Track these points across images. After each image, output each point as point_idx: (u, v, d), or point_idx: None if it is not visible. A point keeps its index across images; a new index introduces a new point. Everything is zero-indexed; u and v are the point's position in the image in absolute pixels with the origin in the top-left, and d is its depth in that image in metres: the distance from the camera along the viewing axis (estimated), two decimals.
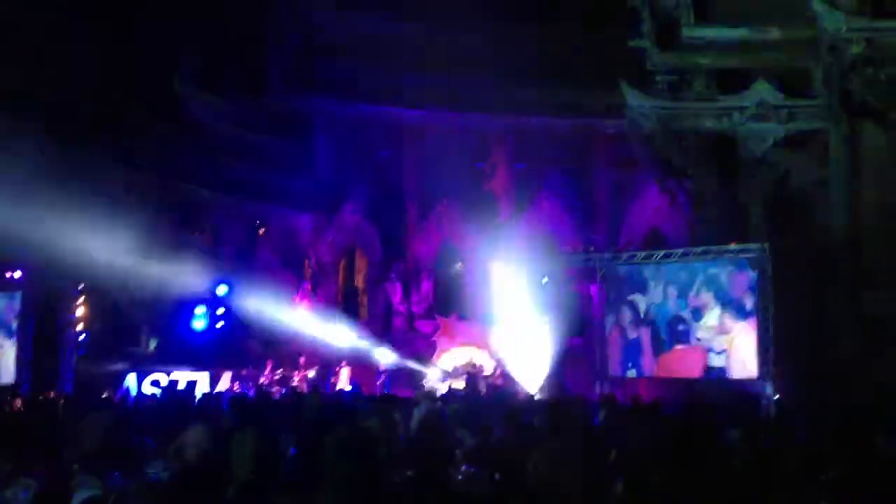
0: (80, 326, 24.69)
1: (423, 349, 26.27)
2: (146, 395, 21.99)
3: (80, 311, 24.50)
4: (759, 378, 17.69)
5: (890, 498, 4.71)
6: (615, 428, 9.83)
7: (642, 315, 19.64)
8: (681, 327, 19.05)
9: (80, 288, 24.43)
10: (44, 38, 21.53)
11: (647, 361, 19.45)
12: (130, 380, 23.68)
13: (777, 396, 17.13)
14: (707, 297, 18.85)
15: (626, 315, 19.75)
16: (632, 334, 19.62)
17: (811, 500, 6.05)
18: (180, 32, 25.48)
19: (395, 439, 10.85)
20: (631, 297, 19.92)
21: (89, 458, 11.05)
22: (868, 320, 16.32)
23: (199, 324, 28.52)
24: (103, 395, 19.86)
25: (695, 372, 18.80)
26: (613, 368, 19.89)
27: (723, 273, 18.75)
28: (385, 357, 25.31)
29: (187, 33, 25.76)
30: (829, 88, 17.11)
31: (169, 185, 29.13)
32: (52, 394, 20.36)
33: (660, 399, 12.95)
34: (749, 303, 18.22)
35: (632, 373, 19.60)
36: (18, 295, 22.35)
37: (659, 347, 19.36)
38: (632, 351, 19.63)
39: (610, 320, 20.12)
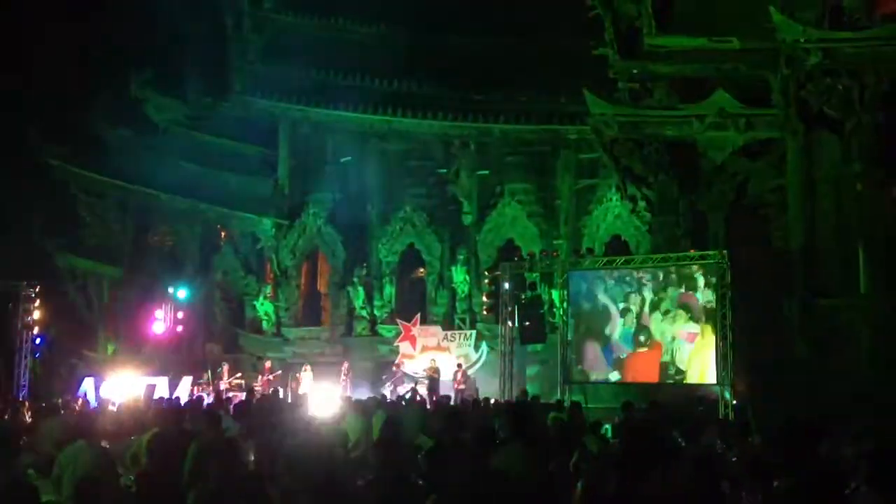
0: (35, 329, 24.33)
1: (385, 354, 26.24)
2: (104, 400, 21.71)
3: (36, 314, 24.15)
4: (717, 383, 17.90)
5: None
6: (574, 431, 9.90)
7: (602, 321, 19.83)
8: (641, 334, 19.24)
9: (36, 290, 24.08)
10: None
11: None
12: (88, 384, 23.35)
13: (735, 402, 17.32)
14: (666, 303, 19.06)
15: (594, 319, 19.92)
16: (606, 335, 19.71)
17: None
18: (139, 36, 25.25)
19: (359, 443, 10.81)
20: (591, 304, 20.08)
21: (45, 464, 10.88)
22: (821, 327, 16.53)
23: (158, 328, 28.22)
24: (59, 400, 19.57)
25: (654, 376, 18.99)
26: (590, 369, 19.99)
27: (682, 280, 18.96)
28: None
29: (146, 36, 25.52)
30: (787, 98, 17.33)
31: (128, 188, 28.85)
32: (6, 398, 20.05)
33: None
34: (707, 309, 18.42)
35: (614, 375, 19.64)
36: None
37: (621, 350, 19.56)
38: (607, 351, 19.74)
39: (571, 325, 20.27)
